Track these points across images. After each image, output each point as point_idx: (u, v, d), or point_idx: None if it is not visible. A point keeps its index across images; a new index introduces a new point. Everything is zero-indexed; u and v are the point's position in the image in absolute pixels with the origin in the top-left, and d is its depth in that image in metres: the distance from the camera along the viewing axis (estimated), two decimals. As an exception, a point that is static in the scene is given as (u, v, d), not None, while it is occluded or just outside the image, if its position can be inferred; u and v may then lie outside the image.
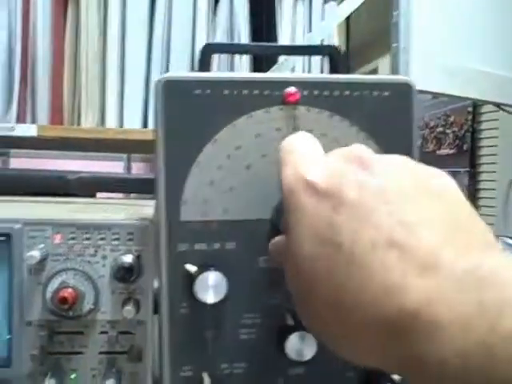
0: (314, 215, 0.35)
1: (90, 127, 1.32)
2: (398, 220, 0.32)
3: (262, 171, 0.47)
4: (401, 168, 0.35)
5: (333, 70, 0.52)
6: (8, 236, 0.52)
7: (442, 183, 0.35)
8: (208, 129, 0.46)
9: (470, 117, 2.61)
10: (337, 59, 0.51)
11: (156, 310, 0.55)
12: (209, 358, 0.49)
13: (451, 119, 2.70)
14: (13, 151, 1.92)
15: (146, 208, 0.63)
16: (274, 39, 1.41)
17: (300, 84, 0.47)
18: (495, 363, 0.26)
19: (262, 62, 1.36)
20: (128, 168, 2.54)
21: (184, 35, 1.39)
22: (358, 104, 0.47)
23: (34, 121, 1.31)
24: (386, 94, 0.48)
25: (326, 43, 1.32)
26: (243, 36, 1.41)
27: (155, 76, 1.37)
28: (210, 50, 0.52)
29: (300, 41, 1.42)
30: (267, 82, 0.47)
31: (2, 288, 0.53)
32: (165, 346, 0.49)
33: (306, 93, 0.47)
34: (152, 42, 1.38)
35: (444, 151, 2.71)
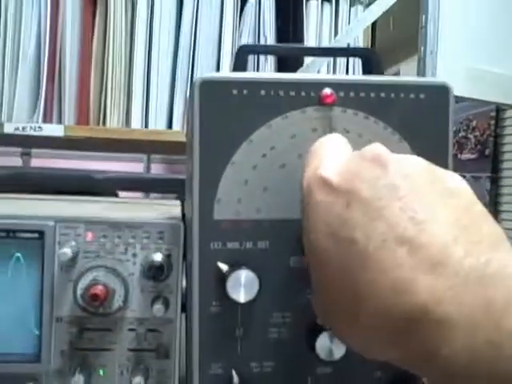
0: (328, 211, 0.35)
1: (115, 128, 1.32)
2: (410, 217, 0.32)
3: (297, 171, 0.47)
4: (415, 167, 0.36)
5: (367, 73, 0.52)
6: (41, 233, 0.53)
7: (454, 183, 0.35)
8: (243, 129, 0.46)
9: (492, 122, 2.59)
10: (372, 61, 0.51)
11: (183, 309, 0.55)
12: (238, 357, 0.49)
13: (473, 124, 2.69)
14: (33, 151, 1.93)
15: (173, 208, 0.63)
16: (300, 41, 1.41)
17: (336, 85, 0.47)
18: (501, 359, 0.27)
19: (286, 63, 1.36)
20: (147, 169, 2.55)
21: (210, 36, 1.39)
22: (394, 106, 0.47)
23: (60, 121, 1.32)
24: (423, 96, 0.47)
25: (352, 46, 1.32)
26: (269, 38, 1.41)
27: (181, 77, 1.38)
28: (245, 51, 0.52)
29: (326, 43, 1.42)
30: (304, 83, 0.47)
31: (34, 284, 0.53)
32: (194, 344, 0.49)
33: (342, 94, 0.47)
34: (179, 43, 1.39)
35: (466, 156, 2.69)
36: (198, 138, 0.46)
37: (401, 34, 1.63)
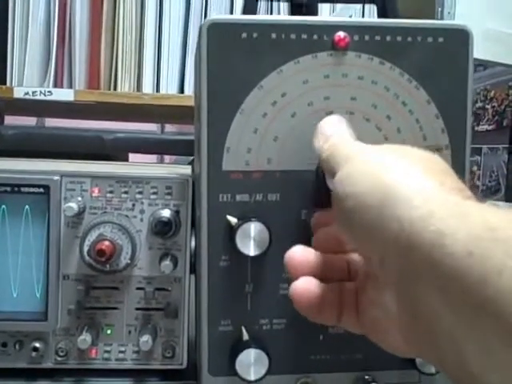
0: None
1: (125, 92, 1.31)
2: None
3: (308, 120, 0.45)
4: None
5: (381, 16, 0.50)
6: (46, 188, 0.52)
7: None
8: (253, 74, 0.45)
9: (511, 91, 2.54)
10: (387, 6, 0.49)
11: (192, 269, 0.54)
12: (248, 313, 0.47)
13: (491, 94, 2.64)
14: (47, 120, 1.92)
15: (183, 169, 0.61)
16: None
17: (350, 28, 0.45)
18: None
19: (301, 10, 1.31)
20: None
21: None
22: (411, 51, 0.45)
23: (71, 86, 1.31)
24: (441, 40, 0.45)
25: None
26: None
27: (192, 41, 1.36)
28: (254, -6, 0.50)
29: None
30: (316, 26, 0.45)
31: (40, 241, 0.52)
32: (203, 300, 0.47)
33: (356, 38, 0.45)
34: (190, 4, 1.36)
35: (483, 127, 2.65)
36: (205, 84, 0.45)
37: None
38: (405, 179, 0.33)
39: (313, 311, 0.39)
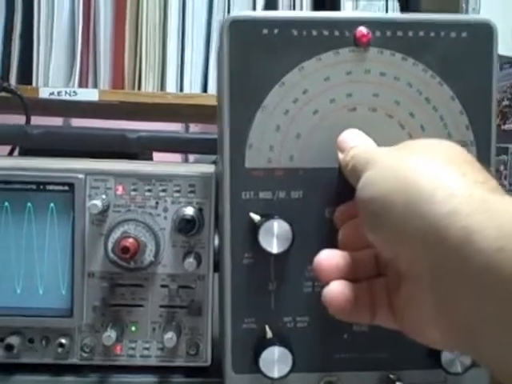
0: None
1: (149, 92, 1.31)
2: None
3: (330, 117, 0.45)
4: None
5: (404, 11, 0.49)
6: (71, 186, 0.52)
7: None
8: (275, 71, 0.44)
9: (539, 89, 2.51)
10: (410, 1, 0.48)
11: (216, 268, 0.54)
12: (271, 311, 0.47)
13: (519, 92, 2.60)
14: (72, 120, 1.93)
15: (206, 168, 0.61)
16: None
17: (372, 24, 0.44)
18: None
19: (324, 6, 1.30)
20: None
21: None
22: (434, 46, 0.45)
23: (95, 86, 1.32)
24: (465, 35, 0.45)
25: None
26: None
27: (215, 40, 1.36)
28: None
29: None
30: (337, 22, 0.44)
31: (65, 238, 0.53)
32: (226, 298, 0.47)
33: (378, 33, 0.44)
34: (213, 4, 1.36)
35: (509, 126, 2.62)
36: (227, 81, 0.45)
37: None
38: (426, 175, 0.33)
39: (347, 314, 0.39)
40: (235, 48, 0.44)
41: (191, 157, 2.00)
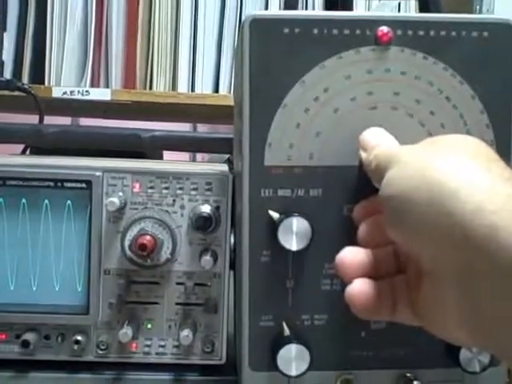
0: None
1: (161, 91, 1.32)
2: None
3: (351, 115, 0.45)
4: None
5: (423, 11, 0.49)
6: (88, 183, 0.52)
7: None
8: (295, 69, 0.44)
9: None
10: (429, 1, 0.48)
11: (232, 266, 0.54)
12: (289, 309, 0.47)
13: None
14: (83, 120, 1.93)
15: (220, 167, 0.62)
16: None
17: (393, 23, 0.44)
18: None
19: (336, 6, 1.30)
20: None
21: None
22: (455, 45, 0.45)
23: (107, 86, 1.32)
24: (486, 34, 0.45)
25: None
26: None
27: (228, 40, 1.36)
28: (296, -11, 0.50)
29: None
30: (358, 21, 0.44)
31: (82, 235, 0.53)
32: (244, 295, 0.47)
33: (399, 33, 0.44)
34: (225, 5, 1.37)
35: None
36: (247, 80, 0.45)
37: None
38: (449, 172, 0.33)
39: (370, 311, 0.39)
40: (256, 47, 0.44)
41: (199, 157, 2.00)
